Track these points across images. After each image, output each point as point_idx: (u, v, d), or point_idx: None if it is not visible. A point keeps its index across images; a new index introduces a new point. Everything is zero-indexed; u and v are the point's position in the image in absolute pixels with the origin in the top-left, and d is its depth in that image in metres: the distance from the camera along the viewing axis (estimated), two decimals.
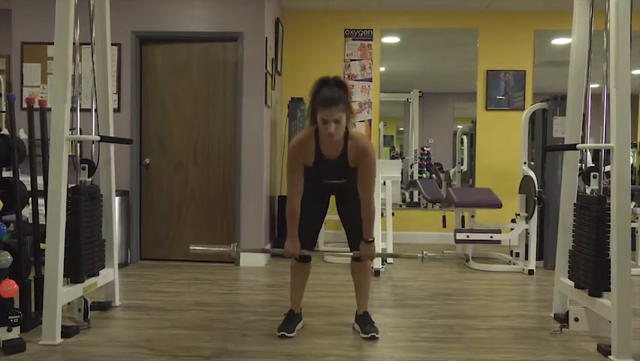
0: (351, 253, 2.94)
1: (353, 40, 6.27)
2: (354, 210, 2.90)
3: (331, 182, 2.94)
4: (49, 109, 3.01)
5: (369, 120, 6.31)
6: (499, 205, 4.99)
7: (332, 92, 2.67)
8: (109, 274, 3.42)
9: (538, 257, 4.86)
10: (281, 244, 5.37)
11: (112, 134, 3.47)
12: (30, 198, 3.11)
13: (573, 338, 2.96)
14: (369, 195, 2.85)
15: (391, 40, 6.39)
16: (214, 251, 3.31)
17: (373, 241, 2.89)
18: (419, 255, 2.94)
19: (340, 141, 2.77)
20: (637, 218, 4.83)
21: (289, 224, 2.87)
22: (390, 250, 5.05)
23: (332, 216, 3.16)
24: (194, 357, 2.61)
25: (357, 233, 2.91)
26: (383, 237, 4.89)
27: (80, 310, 3.10)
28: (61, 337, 2.80)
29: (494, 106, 6.30)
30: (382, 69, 6.34)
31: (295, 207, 2.84)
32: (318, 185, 2.94)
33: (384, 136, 6.78)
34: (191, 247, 3.08)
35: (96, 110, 3.38)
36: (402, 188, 6.48)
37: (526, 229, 4.86)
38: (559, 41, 6.25)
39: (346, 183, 2.91)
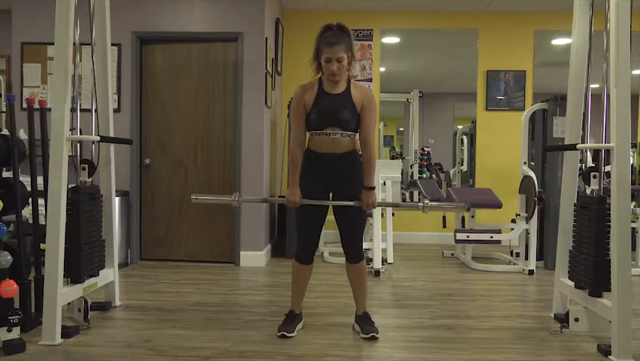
0: (352, 203, 2.88)
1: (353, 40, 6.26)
2: (351, 212, 2.91)
3: (332, 139, 2.85)
4: (49, 109, 3.01)
5: None
6: (499, 205, 4.99)
7: (335, 35, 2.80)
8: (109, 274, 3.42)
9: (539, 257, 4.86)
10: (281, 243, 5.41)
11: (112, 135, 3.47)
12: (30, 199, 3.11)
13: (573, 338, 2.96)
14: (370, 140, 2.90)
15: (391, 40, 6.39)
16: (216, 200, 3.30)
17: (374, 188, 2.90)
18: (420, 204, 2.94)
19: (343, 82, 2.89)
20: (637, 218, 4.82)
21: (291, 171, 2.94)
22: (390, 250, 5.06)
23: (332, 216, 3.15)
24: (194, 357, 2.61)
25: (351, 235, 2.96)
26: (383, 237, 4.89)
27: (80, 310, 3.10)
28: (61, 337, 2.80)
29: (494, 106, 6.30)
30: (382, 69, 6.34)
31: (297, 154, 2.92)
32: (317, 176, 2.91)
33: (385, 136, 6.78)
34: (192, 196, 3.06)
35: (96, 111, 3.38)
36: (402, 188, 6.46)
37: (527, 229, 4.86)
38: (559, 41, 6.25)
39: (344, 168, 2.90)
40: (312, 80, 2.95)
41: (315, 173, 2.92)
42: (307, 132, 2.95)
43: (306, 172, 2.91)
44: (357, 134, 2.94)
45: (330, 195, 2.99)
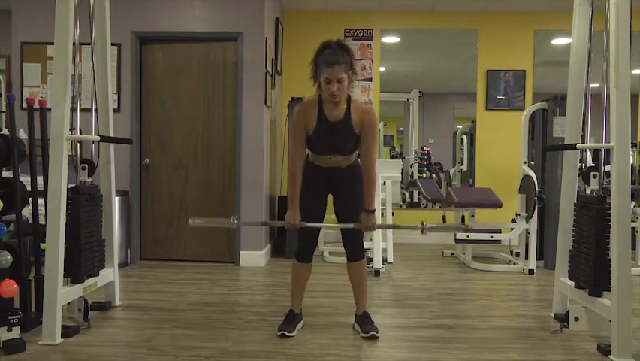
0: (352, 225, 2.90)
1: (353, 40, 6.27)
2: (352, 211, 2.91)
3: (332, 161, 2.89)
4: (49, 109, 3.01)
5: None
6: (499, 205, 4.99)
7: (335, 54, 2.72)
8: (109, 274, 3.42)
9: (539, 257, 4.86)
10: (281, 243, 5.41)
11: (112, 135, 3.47)
12: (30, 198, 3.11)
13: (573, 337, 2.96)
14: (371, 161, 2.85)
15: (391, 40, 6.39)
16: (214, 224, 3.27)
17: (374, 211, 2.89)
18: (419, 226, 2.90)
19: (343, 103, 2.81)
20: (637, 218, 4.82)
21: (291, 192, 2.89)
22: (390, 250, 5.06)
23: (332, 216, 3.16)
24: (194, 357, 2.61)
25: (353, 235, 2.94)
26: (383, 237, 4.89)
27: (80, 310, 3.10)
28: (61, 337, 2.80)
29: (494, 106, 6.30)
30: (382, 69, 6.34)
31: (297, 175, 2.86)
32: (317, 180, 2.93)
33: (385, 136, 6.78)
34: (190, 220, 3.04)
35: (96, 110, 3.38)
36: (402, 188, 6.47)
37: (527, 229, 4.86)
38: (559, 41, 6.25)
39: (346, 176, 2.91)
40: (311, 99, 2.87)
41: (315, 181, 2.94)
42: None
43: (306, 178, 2.91)
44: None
45: (331, 196, 3.01)
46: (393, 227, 3.29)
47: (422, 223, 2.87)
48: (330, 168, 2.93)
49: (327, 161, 2.91)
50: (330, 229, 5.00)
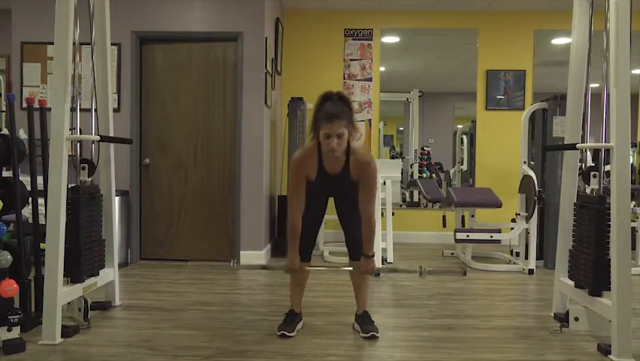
0: (351, 268, 2.98)
1: (353, 39, 6.28)
2: (354, 211, 2.91)
3: (333, 191, 2.98)
4: (49, 109, 3.01)
5: (369, 120, 6.31)
6: (499, 205, 4.99)
7: (335, 107, 2.67)
8: (109, 273, 3.42)
9: (539, 257, 4.86)
10: (281, 244, 5.41)
11: (112, 134, 3.47)
12: (30, 198, 3.11)
13: (573, 337, 2.96)
14: (370, 211, 2.86)
15: (391, 40, 6.39)
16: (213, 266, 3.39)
17: (374, 256, 2.92)
18: (417, 270, 2.95)
19: (342, 155, 2.78)
20: (637, 218, 4.82)
21: (290, 240, 2.90)
22: (390, 250, 5.05)
23: (332, 216, 3.16)
24: (194, 357, 2.61)
25: (356, 235, 2.93)
26: (383, 237, 4.89)
27: (79, 310, 3.10)
28: (61, 337, 2.80)
29: (494, 106, 6.30)
30: (382, 69, 6.34)
31: (297, 224, 2.86)
32: (318, 189, 2.95)
33: (384, 136, 6.78)
34: (189, 263, 3.09)
35: (96, 110, 3.38)
36: (402, 188, 6.48)
37: (527, 229, 4.86)
38: (559, 41, 6.25)
39: (347, 188, 2.93)
40: (310, 149, 2.82)
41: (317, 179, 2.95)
42: None
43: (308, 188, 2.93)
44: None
45: (331, 199, 3.05)
46: (393, 271, 3.40)
47: (421, 268, 2.92)
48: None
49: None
50: (331, 268, 5.04)
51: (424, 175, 6.69)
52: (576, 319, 3.03)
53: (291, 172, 2.90)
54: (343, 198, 2.98)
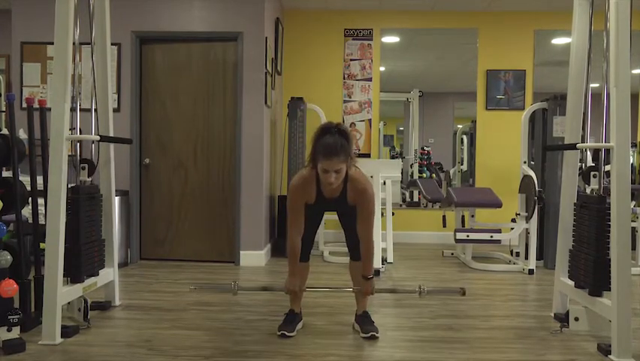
0: (352, 289, 3.03)
1: (353, 39, 6.28)
2: (354, 210, 2.91)
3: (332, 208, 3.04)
4: (49, 109, 3.01)
5: (369, 120, 6.31)
6: (499, 205, 4.99)
7: (334, 141, 2.67)
8: (109, 273, 3.42)
9: (539, 257, 4.86)
10: (281, 244, 5.41)
11: (112, 134, 3.47)
12: (30, 198, 3.11)
13: (573, 337, 2.96)
14: (369, 234, 2.89)
15: (391, 39, 6.39)
16: (215, 289, 3.49)
17: (373, 277, 2.96)
18: (417, 290, 2.97)
19: (340, 184, 2.82)
20: (637, 218, 4.82)
21: (290, 261, 2.92)
22: (390, 250, 5.06)
23: (332, 215, 3.16)
24: (194, 357, 2.61)
25: (354, 233, 2.95)
26: (383, 237, 4.89)
27: (79, 310, 3.10)
28: (61, 337, 2.80)
29: (494, 106, 6.30)
30: (382, 69, 6.34)
31: (296, 245, 2.89)
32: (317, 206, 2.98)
33: (384, 136, 6.78)
34: (191, 287, 3.15)
35: (96, 110, 3.38)
36: (402, 188, 6.48)
37: (527, 229, 4.86)
38: (559, 41, 6.25)
39: (345, 208, 2.96)
40: (308, 176, 2.84)
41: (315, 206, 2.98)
42: None
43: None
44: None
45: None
46: (392, 291, 3.48)
47: (420, 287, 2.96)
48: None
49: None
50: (331, 257, 5.06)
51: (424, 175, 6.69)
52: (576, 319, 3.03)
53: (289, 196, 2.92)
54: (342, 206, 2.99)
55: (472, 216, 5.18)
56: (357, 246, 3.01)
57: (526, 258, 4.81)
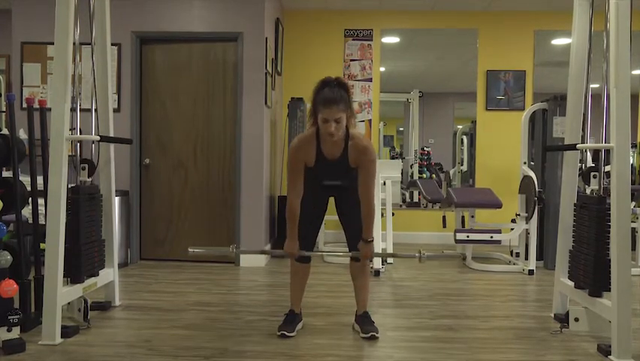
0: (350, 254, 2.96)
1: (353, 40, 6.28)
2: (354, 210, 2.92)
3: (331, 183, 2.95)
4: (49, 109, 3.01)
5: (369, 120, 6.31)
6: (499, 205, 4.99)
7: (333, 92, 2.69)
8: (109, 274, 3.42)
9: (539, 257, 4.86)
10: (281, 244, 5.39)
11: (112, 135, 3.47)
12: (30, 198, 3.11)
13: (573, 338, 2.96)
14: (369, 195, 2.86)
15: (391, 40, 6.39)
16: (213, 252, 3.30)
17: (372, 241, 2.91)
18: (417, 255, 2.94)
19: (341, 141, 2.80)
20: (637, 218, 4.82)
21: (289, 224, 2.89)
22: (390, 250, 5.05)
23: (332, 216, 3.16)
24: (194, 357, 2.61)
25: (357, 234, 2.93)
26: (383, 237, 4.89)
27: (79, 310, 3.10)
28: (61, 337, 2.80)
29: (494, 106, 6.30)
30: (382, 69, 6.34)
31: (295, 207, 2.86)
32: (317, 186, 2.95)
33: (384, 136, 6.79)
34: (190, 249, 3.08)
35: (96, 110, 3.38)
36: (402, 188, 6.48)
37: (527, 229, 4.86)
38: (559, 41, 6.25)
39: (346, 183, 2.92)
40: (309, 135, 2.85)
41: (317, 183, 2.96)
42: None
43: (307, 183, 2.92)
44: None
45: (332, 199, 3.05)
46: (392, 255, 3.34)
47: (420, 252, 2.93)
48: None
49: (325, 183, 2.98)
50: (331, 257, 5.04)
51: (424, 176, 6.69)
52: (576, 319, 3.03)
53: (289, 158, 2.91)
54: (343, 195, 2.98)
55: (472, 216, 5.18)
56: (357, 245, 3.01)
57: (526, 258, 4.80)
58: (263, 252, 3.44)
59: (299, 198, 2.87)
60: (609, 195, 2.73)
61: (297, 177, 2.86)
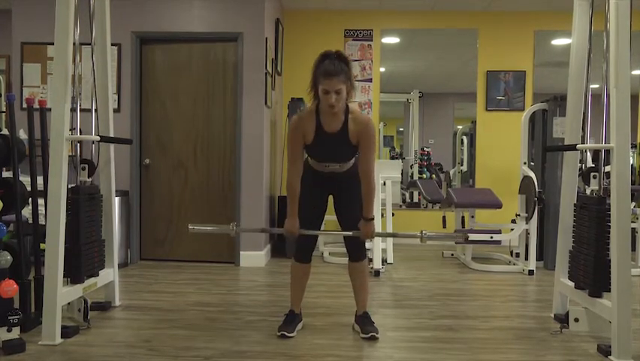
0: (351, 233, 2.92)
1: (353, 40, 6.28)
2: (352, 211, 2.93)
3: (330, 168, 2.92)
4: (49, 109, 3.01)
5: None
6: (499, 206, 4.99)
7: (334, 65, 2.71)
8: (109, 274, 3.42)
9: (539, 257, 4.86)
10: (281, 244, 5.41)
11: (112, 135, 3.47)
12: (30, 199, 3.11)
13: (573, 338, 2.96)
14: (369, 171, 2.86)
15: (391, 40, 6.39)
16: (213, 231, 3.27)
17: (373, 219, 2.90)
18: (418, 234, 2.90)
19: (340, 114, 2.80)
20: (637, 218, 4.82)
21: (289, 201, 2.89)
22: (390, 251, 5.06)
23: (332, 216, 3.16)
24: (193, 357, 2.61)
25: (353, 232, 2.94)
26: (383, 238, 4.89)
27: (79, 310, 3.10)
28: (61, 337, 2.80)
29: (494, 106, 6.30)
30: (382, 69, 6.34)
31: (295, 184, 2.87)
32: (317, 186, 2.95)
33: (385, 136, 6.79)
34: (190, 226, 3.06)
35: (96, 111, 3.38)
36: (402, 188, 6.48)
37: (527, 230, 4.86)
38: (559, 42, 6.25)
39: (345, 177, 2.93)
40: (309, 110, 2.86)
41: (315, 180, 2.96)
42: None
43: (306, 177, 2.92)
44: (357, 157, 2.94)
45: (331, 197, 3.03)
46: (393, 235, 3.32)
47: (421, 232, 2.88)
48: (329, 173, 2.96)
49: (325, 168, 2.94)
50: (330, 235, 5.02)
51: (424, 176, 6.69)
52: (576, 320, 3.03)
53: (289, 134, 2.91)
54: (342, 195, 2.98)
55: (472, 216, 5.18)
56: (356, 247, 3.00)
57: (526, 259, 4.80)
58: (263, 230, 3.41)
59: (299, 176, 2.87)
60: (609, 196, 2.73)
61: (296, 154, 2.86)
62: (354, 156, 2.91)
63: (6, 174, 3.03)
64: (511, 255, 5.23)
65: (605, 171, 2.93)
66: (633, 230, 4.73)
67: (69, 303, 3.10)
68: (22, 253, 2.93)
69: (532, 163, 5.33)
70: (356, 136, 2.81)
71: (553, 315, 3.34)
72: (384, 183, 5.04)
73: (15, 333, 2.66)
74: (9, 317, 2.63)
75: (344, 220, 3.02)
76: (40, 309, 2.89)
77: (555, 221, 4.19)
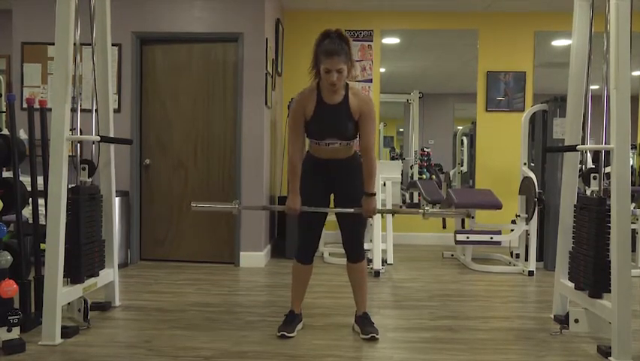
0: (353, 209, 2.90)
1: (353, 41, 6.16)
2: (352, 204, 2.91)
3: (331, 148, 2.90)
4: (50, 109, 3.01)
5: None
6: (499, 206, 4.99)
7: (334, 44, 2.74)
8: (109, 274, 3.42)
9: (539, 258, 4.86)
10: (281, 244, 5.41)
11: (112, 135, 3.48)
12: (30, 199, 3.11)
13: (573, 339, 2.96)
14: (370, 146, 2.88)
15: (391, 41, 6.39)
16: (216, 209, 3.29)
17: (375, 194, 2.91)
18: (421, 210, 2.92)
19: (341, 89, 2.85)
20: (637, 219, 4.82)
21: (290, 178, 2.92)
22: (389, 251, 5.06)
23: (331, 217, 3.16)
24: (193, 358, 2.61)
25: (353, 235, 2.97)
26: (383, 238, 4.89)
27: (79, 310, 3.10)
28: (61, 337, 2.80)
29: (494, 107, 6.30)
30: (382, 70, 6.34)
31: (296, 162, 2.89)
32: (317, 177, 2.94)
33: (385, 137, 6.78)
34: (192, 204, 3.07)
35: (96, 111, 3.38)
36: (402, 189, 6.47)
37: (527, 230, 4.86)
38: (559, 42, 6.25)
39: (345, 171, 2.92)
40: (310, 87, 2.91)
41: (315, 175, 2.95)
42: (307, 138, 2.97)
43: (306, 174, 2.91)
44: (357, 140, 2.94)
45: (332, 196, 3.02)
46: (394, 212, 3.30)
47: (424, 208, 2.92)
48: (330, 160, 2.94)
49: (326, 150, 2.91)
50: (331, 212, 5.01)
51: (424, 176, 6.69)
52: (576, 320, 3.03)
53: (291, 112, 2.95)
54: (342, 195, 2.98)
55: (472, 217, 5.18)
56: (354, 247, 3.00)
57: (526, 259, 4.80)
58: (264, 207, 3.44)
59: (300, 153, 2.91)
60: (609, 197, 2.73)
61: (297, 130, 2.89)
62: (354, 137, 2.90)
63: (6, 174, 3.03)
64: (511, 256, 5.22)
65: (605, 172, 2.94)
66: (633, 231, 4.73)
67: (69, 303, 3.10)
68: (22, 253, 2.93)
69: (532, 164, 5.33)
70: (357, 110, 2.84)
71: (553, 316, 3.34)
72: (385, 184, 5.03)
73: (15, 333, 2.66)
74: (9, 317, 2.64)
75: (343, 220, 3.01)
76: (40, 309, 2.89)
77: (555, 222, 4.19)
